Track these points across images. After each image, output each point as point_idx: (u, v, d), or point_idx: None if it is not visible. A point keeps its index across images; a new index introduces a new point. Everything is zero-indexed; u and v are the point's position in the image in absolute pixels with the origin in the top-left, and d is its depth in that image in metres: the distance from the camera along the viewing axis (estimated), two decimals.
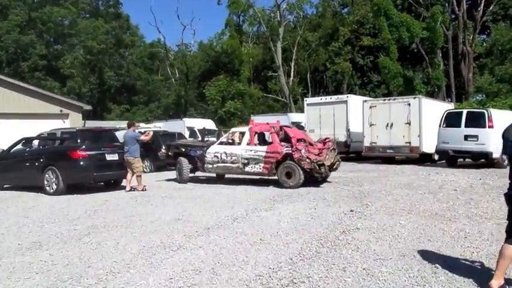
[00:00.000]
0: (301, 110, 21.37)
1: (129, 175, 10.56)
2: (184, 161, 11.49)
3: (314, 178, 10.27)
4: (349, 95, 20.72)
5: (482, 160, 14.41)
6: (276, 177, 10.54)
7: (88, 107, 23.25)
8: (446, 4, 31.38)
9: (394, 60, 28.45)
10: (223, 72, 42.77)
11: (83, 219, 7.23)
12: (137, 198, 9.46)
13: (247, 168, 10.74)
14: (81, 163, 10.19)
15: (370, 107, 16.98)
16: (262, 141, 11.45)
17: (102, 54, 48.23)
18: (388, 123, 16.17)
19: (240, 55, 43.04)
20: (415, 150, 15.65)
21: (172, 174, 12.48)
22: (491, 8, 31.62)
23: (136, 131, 11.88)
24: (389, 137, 16.07)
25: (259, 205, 7.97)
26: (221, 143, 11.44)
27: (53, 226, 6.74)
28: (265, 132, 11.66)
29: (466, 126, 13.92)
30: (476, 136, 13.60)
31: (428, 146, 15.48)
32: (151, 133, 12.15)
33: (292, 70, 41.83)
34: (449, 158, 14.86)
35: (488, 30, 34.37)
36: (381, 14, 27.65)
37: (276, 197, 8.82)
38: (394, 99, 17.40)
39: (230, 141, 11.57)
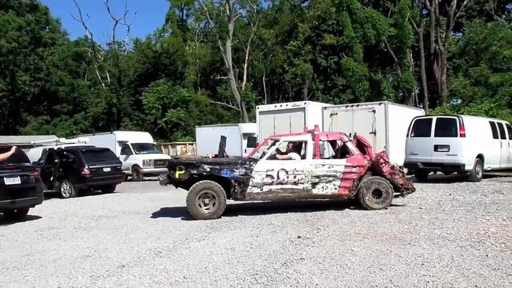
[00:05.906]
0: (255, 119, 21.48)
1: None
2: (218, 187, 9.36)
3: (401, 196, 10.00)
4: (307, 101, 21.03)
5: (455, 173, 14.98)
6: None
7: None
8: None
9: (360, 62, 29.23)
10: (163, 76, 42.41)
11: None
12: (43, 230, 9.05)
13: (315, 190, 9.49)
14: None
15: (331, 115, 17.32)
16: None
17: (14, 54, 46.41)
18: (350, 133, 16.45)
19: (183, 55, 42.92)
20: None
21: (100, 199, 11.99)
22: (465, 2, 33.37)
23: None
24: None
25: (192, 234, 7.79)
26: (272, 158, 9.84)
27: None
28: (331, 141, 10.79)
29: (436, 135, 14.40)
30: (447, 146, 14.10)
31: (397, 159, 15.86)
32: (13, 149, 10.44)
33: (245, 73, 42.14)
34: (419, 172, 15.33)
35: (463, 28, 36.18)
36: (343, 8, 28.45)
37: (215, 224, 8.68)
38: (358, 105, 17.81)
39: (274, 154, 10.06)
